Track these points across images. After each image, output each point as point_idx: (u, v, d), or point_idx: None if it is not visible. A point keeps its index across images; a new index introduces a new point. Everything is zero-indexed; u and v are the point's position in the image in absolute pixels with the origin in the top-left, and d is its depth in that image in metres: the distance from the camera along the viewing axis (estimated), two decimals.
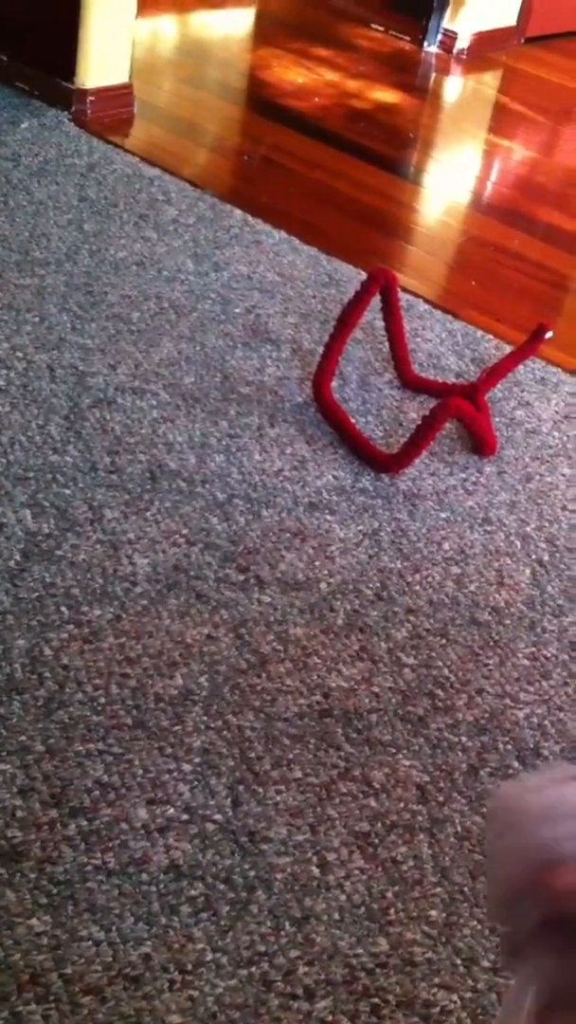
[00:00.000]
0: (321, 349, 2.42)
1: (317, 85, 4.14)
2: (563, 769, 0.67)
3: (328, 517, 2.07)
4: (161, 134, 3.49)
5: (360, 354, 2.53)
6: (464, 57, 4.72)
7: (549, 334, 2.56)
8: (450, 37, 4.71)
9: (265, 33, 4.70)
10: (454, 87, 4.65)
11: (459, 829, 1.55)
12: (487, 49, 4.79)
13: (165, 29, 4.48)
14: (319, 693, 1.71)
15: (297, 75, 4.19)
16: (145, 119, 3.53)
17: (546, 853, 0.63)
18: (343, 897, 1.44)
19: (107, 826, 1.46)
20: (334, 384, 2.39)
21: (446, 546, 2.06)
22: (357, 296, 2.38)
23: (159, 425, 2.20)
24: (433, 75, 4.67)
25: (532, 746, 1.69)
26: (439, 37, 4.72)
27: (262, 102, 3.98)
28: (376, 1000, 1.33)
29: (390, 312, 2.45)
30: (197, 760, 1.57)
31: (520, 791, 0.67)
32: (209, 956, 1.35)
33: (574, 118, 4.56)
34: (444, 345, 2.67)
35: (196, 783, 1.54)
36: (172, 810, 1.50)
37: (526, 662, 1.85)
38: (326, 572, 1.94)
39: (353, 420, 2.31)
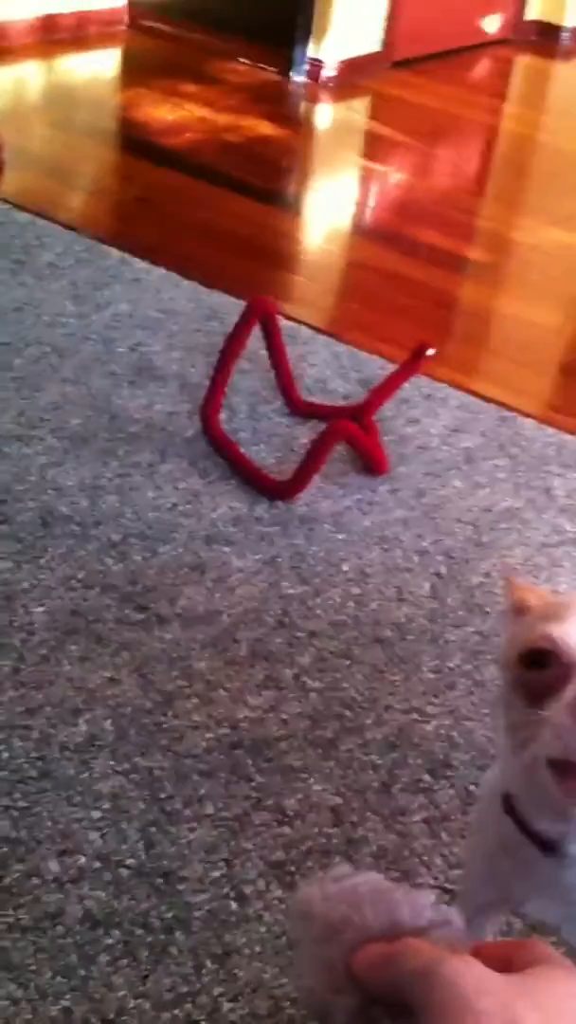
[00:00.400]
0: (207, 382, 2.44)
1: (188, 121, 4.18)
2: (345, 868, 0.70)
3: (225, 548, 2.08)
4: (33, 179, 3.50)
5: (247, 384, 2.56)
6: (332, 85, 4.82)
7: (431, 351, 2.62)
8: (317, 66, 4.81)
9: (132, 72, 4.75)
10: (325, 115, 4.74)
11: (375, 848, 1.56)
12: (354, 76, 4.89)
13: (30, 75, 4.49)
14: (227, 725, 1.71)
15: (167, 112, 4.23)
16: (16, 166, 3.53)
17: (341, 942, 0.65)
18: (263, 929, 1.44)
19: (18, 882, 1.45)
20: (223, 415, 2.41)
21: (345, 567, 2.09)
22: (237, 327, 2.41)
23: (47, 470, 2.19)
24: (303, 104, 4.75)
25: (442, 758, 1.72)
26: (305, 66, 4.82)
27: (134, 141, 4.02)
28: None
29: (272, 340, 2.48)
30: (107, 806, 1.56)
31: (310, 894, 0.69)
32: (131, 1003, 1.34)
33: (444, 138, 4.68)
34: (330, 369, 2.71)
35: (107, 829, 1.53)
36: (84, 859, 1.48)
37: (431, 675, 1.88)
38: (227, 603, 1.95)
39: (244, 450, 2.33)
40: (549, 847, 0.93)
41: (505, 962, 0.59)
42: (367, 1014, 0.61)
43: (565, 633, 0.82)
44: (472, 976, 0.55)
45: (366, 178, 4.17)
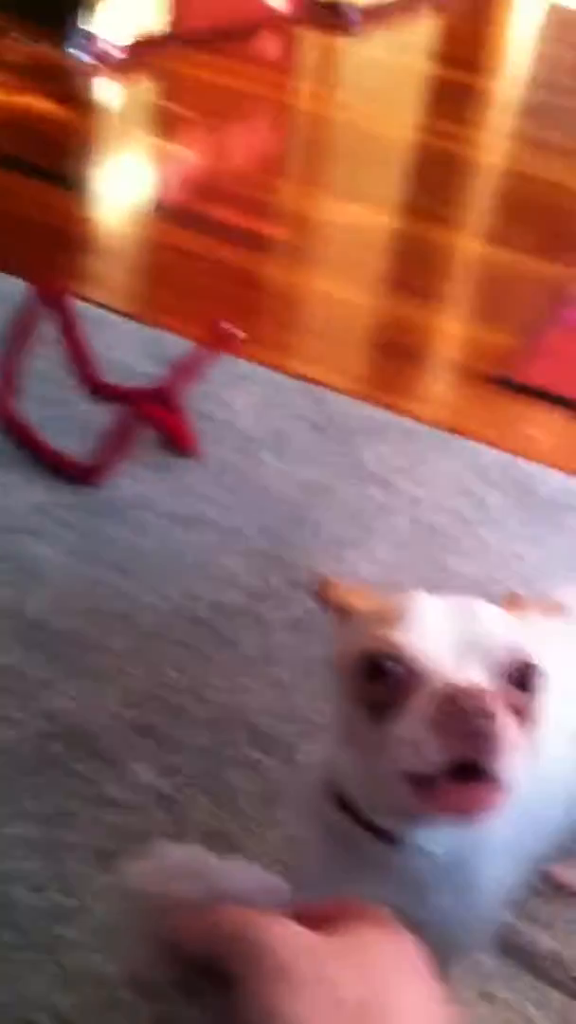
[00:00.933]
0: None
1: None
2: (168, 845, 0.73)
3: (30, 538, 2.06)
4: None
5: (43, 368, 2.54)
6: (116, 62, 4.80)
7: (236, 331, 2.66)
8: (100, 42, 4.78)
9: None
10: (110, 93, 4.72)
11: (204, 828, 1.58)
12: (140, 52, 4.89)
13: None
14: (43, 718, 1.71)
15: None
16: None
17: (163, 916, 0.67)
18: (93, 919, 1.44)
19: None
20: (18, 402, 2.39)
21: (159, 550, 2.11)
22: (28, 310, 2.39)
23: None
24: (87, 82, 4.73)
25: (268, 733, 1.75)
26: (88, 43, 4.79)
27: None
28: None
29: (66, 323, 2.47)
30: None
31: (134, 872, 0.72)
32: None
33: (235, 116, 4.74)
34: (133, 351, 2.72)
35: None
36: None
37: (253, 652, 1.91)
38: (35, 595, 1.94)
39: (44, 436, 2.31)
40: (387, 837, 0.93)
41: (325, 922, 0.61)
42: (190, 986, 0.63)
43: (406, 639, 0.82)
44: (288, 940, 0.57)
45: (160, 157, 4.19)
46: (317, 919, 0.62)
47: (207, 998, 0.61)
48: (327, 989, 0.55)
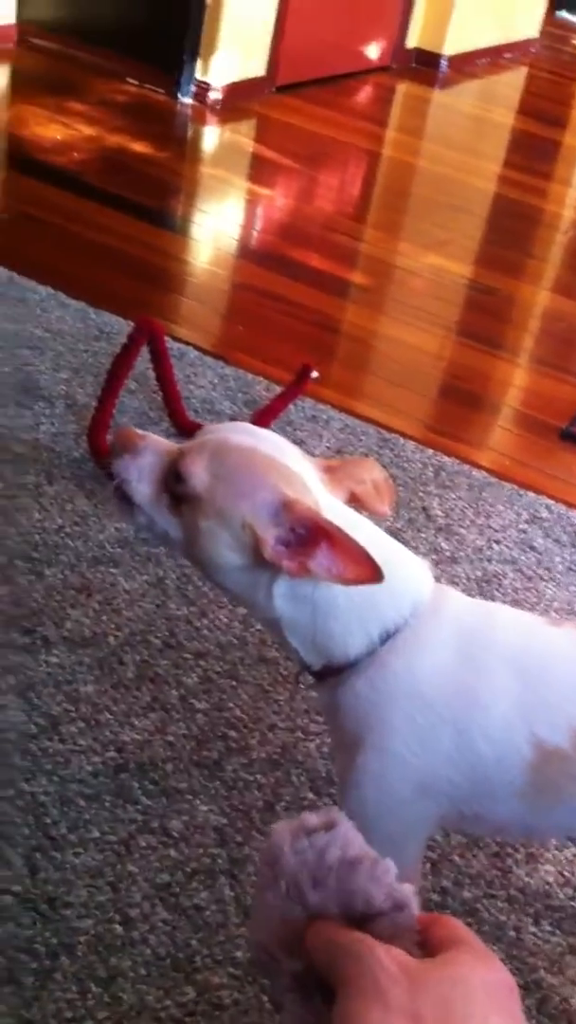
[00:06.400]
0: (95, 402, 2.42)
1: (75, 140, 4.14)
2: (317, 819, 0.70)
3: (112, 570, 2.06)
4: None
5: (135, 404, 2.54)
6: (218, 108, 4.83)
7: (315, 374, 2.64)
8: (203, 88, 4.81)
9: (20, 90, 4.67)
10: (211, 137, 4.74)
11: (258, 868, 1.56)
12: (240, 99, 4.91)
13: None
14: (113, 748, 1.70)
15: (55, 131, 4.18)
16: None
17: (304, 907, 0.66)
18: (148, 951, 1.43)
19: None
20: (110, 436, 2.39)
21: None
22: (125, 348, 2.40)
23: None
24: (190, 126, 4.75)
25: (324, 775, 1.73)
26: (192, 88, 4.82)
27: (20, 159, 3.96)
28: None
29: (159, 361, 2.47)
30: None
31: (282, 842, 0.69)
32: None
33: (326, 163, 4.73)
34: (217, 390, 2.71)
35: None
36: None
37: (314, 693, 1.89)
38: (113, 626, 1.94)
39: None
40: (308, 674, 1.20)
41: (431, 939, 0.64)
42: (305, 983, 0.64)
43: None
44: (388, 967, 0.59)
45: (251, 201, 4.19)
46: (425, 934, 0.65)
47: (314, 1000, 0.63)
48: (412, 1018, 0.57)
